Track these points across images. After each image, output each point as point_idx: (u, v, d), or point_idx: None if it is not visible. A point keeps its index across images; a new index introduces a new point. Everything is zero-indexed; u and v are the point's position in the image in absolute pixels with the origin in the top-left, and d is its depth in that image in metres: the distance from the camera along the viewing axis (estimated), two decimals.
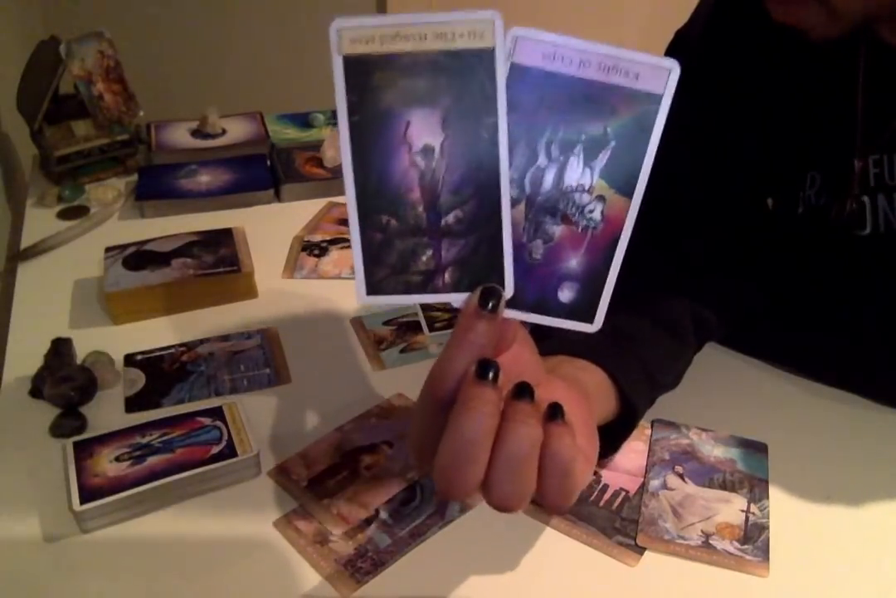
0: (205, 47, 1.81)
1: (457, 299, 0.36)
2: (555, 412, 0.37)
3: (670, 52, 0.67)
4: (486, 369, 0.35)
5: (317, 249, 0.88)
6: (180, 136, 1.08)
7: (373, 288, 0.36)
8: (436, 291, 0.36)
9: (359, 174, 0.35)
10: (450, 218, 0.35)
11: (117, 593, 0.51)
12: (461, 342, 0.35)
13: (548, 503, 0.37)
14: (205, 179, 0.99)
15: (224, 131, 1.09)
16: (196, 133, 1.08)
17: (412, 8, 1.86)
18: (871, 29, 0.56)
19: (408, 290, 0.36)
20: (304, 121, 1.14)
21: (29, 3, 1.55)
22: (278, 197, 0.99)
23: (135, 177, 1.01)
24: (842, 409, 0.65)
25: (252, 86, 1.77)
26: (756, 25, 0.61)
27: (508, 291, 0.36)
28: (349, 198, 0.35)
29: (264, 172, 1.01)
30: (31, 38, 1.05)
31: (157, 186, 0.98)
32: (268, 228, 0.90)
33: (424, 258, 0.36)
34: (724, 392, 0.67)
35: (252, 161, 1.03)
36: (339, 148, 0.35)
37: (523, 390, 0.36)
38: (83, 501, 0.54)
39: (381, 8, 1.85)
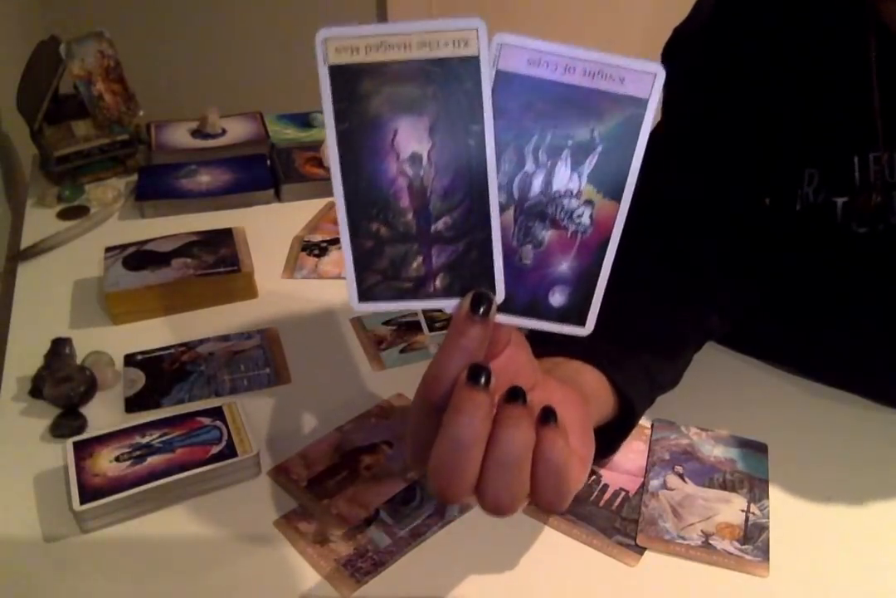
0: (205, 47, 1.81)
1: (448, 304, 0.36)
2: (547, 416, 0.37)
3: (669, 48, 0.67)
4: (477, 373, 0.35)
5: (317, 249, 0.88)
6: (180, 136, 1.08)
7: (364, 295, 0.36)
8: (427, 296, 0.36)
9: (348, 182, 0.35)
10: (439, 224, 0.36)
11: (117, 593, 0.51)
12: (453, 347, 0.35)
13: (542, 506, 0.37)
14: (205, 179, 0.99)
15: (224, 131, 1.09)
16: (196, 133, 1.08)
17: (412, 7, 1.86)
18: (882, 22, 0.55)
19: (399, 296, 0.36)
20: (304, 121, 1.14)
21: (29, 3, 1.55)
22: (278, 197, 0.98)
23: (135, 177, 1.01)
24: (842, 409, 0.65)
25: (252, 86, 1.77)
26: (761, 21, 0.61)
27: (499, 295, 0.36)
28: (339, 205, 0.35)
29: (264, 172, 1.01)
30: (31, 38, 1.05)
31: (157, 186, 0.98)
32: (268, 228, 0.90)
33: (415, 264, 0.36)
34: (724, 392, 0.67)
35: (252, 161, 1.03)
36: (328, 156, 0.35)
37: (516, 394, 0.36)
38: (83, 501, 0.54)
39: (381, 7, 1.85)
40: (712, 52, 0.63)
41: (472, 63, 0.34)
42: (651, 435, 0.62)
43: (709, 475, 0.59)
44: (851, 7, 0.57)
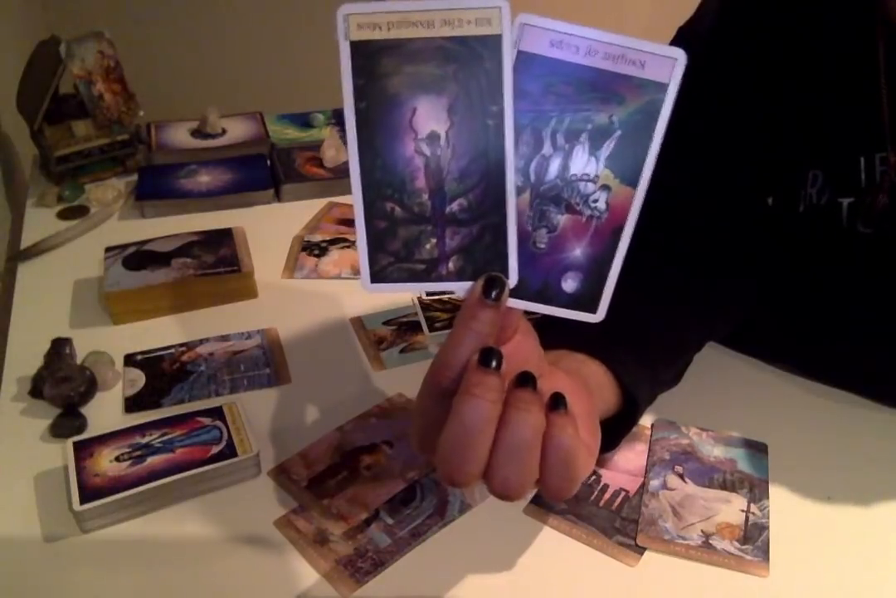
0: (205, 47, 1.81)
1: (460, 287, 0.36)
2: (557, 402, 0.37)
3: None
4: (489, 356, 0.35)
5: (317, 249, 0.88)
6: (180, 136, 1.08)
7: (376, 276, 0.36)
8: (439, 279, 0.36)
9: (364, 161, 0.35)
10: (454, 206, 0.35)
11: (117, 593, 0.51)
12: (464, 330, 0.35)
13: (549, 493, 0.38)
14: (205, 179, 0.99)
15: (224, 131, 1.09)
16: (196, 133, 1.08)
17: None
18: (889, 21, 0.55)
19: (411, 278, 0.36)
20: (304, 121, 1.14)
21: (29, 3, 1.55)
22: (278, 197, 0.99)
23: (135, 177, 1.01)
24: (842, 409, 0.65)
25: (252, 86, 1.77)
26: (766, 21, 0.61)
27: (512, 280, 0.36)
28: (354, 185, 0.35)
29: (264, 172, 1.01)
30: (31, 38, 1.05)
31: (157, 186, 0.98)
32: (268, 228, 0.90)
33: (428, 246, 0.36)
34: (724, 392, 0.67)
35: (252, 161, 1.03)
36: (346, 134, 0.35)
37: (526, 379, 0.36)
38: (83, 501, 0.54)
39: None
40: (717, 52, 0.63)
41: (494, 42, 0.33)
42: (651, 435, 0.62)
43: (709, 475, 0.59)
44: (859, 7, 0.57)
